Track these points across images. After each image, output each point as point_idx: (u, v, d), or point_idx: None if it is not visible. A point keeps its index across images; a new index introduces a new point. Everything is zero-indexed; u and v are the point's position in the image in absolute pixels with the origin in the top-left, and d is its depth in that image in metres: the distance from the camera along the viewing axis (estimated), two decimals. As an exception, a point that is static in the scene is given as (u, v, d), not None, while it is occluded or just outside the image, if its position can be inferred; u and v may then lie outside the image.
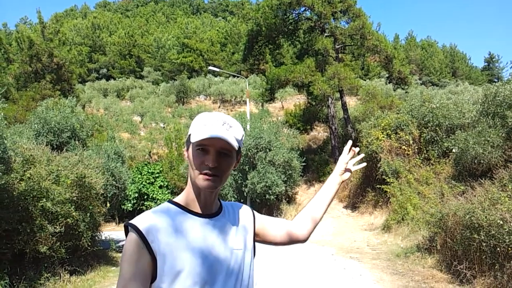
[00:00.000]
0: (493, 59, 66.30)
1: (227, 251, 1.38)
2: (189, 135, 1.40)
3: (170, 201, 1.43)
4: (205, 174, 1.34)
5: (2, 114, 6.55)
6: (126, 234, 1.31)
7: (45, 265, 7.42)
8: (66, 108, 12.39)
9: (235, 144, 1.35)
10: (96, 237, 9.92)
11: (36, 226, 7.17)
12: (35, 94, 19.53)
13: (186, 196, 1.42)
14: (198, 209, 1.40)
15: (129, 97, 43.22)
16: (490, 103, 10.73)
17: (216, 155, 1.35)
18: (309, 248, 10.78)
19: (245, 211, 1.59)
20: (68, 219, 7.75)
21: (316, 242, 11.79)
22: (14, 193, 7.02)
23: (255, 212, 1.64)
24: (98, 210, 9.34)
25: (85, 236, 8.33)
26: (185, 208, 1.39)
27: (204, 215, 1.40)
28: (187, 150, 1.42)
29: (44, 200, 7.33)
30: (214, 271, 1.32)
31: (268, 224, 1.63)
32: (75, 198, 8.11)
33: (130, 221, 1.32)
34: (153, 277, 1.27)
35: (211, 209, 1.43)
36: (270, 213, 16.01)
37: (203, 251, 1.32)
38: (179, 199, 1.43)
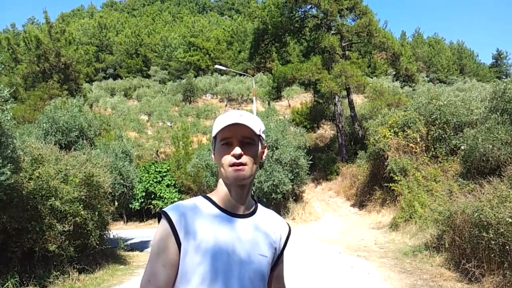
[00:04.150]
0: (501, 56, 65.86)
1: (250, 254, 1.36)
2: (213, 136, 1.43)
3: (205, 196, 1.44)
4: (233, 165, 1.36)
5: (10, 113, 6.60)
6: (159, 221, 1.38)
7: (54, 263, 7.48)
8: (74, 107, 12.46)
9: (255, 128, 1.38)
10: (105, 236, 9.97)
11: (45, 225, 7.22)
12: (43, 94, 19.68)
13: (217, 194, 1.42)
14: (229, 208, 1.40)
15: (136, 96, 43.37)
16: (498, 99, 10.64)
17: (240, 145, 1.37)
18: (317, 247, 10.78)
19: (282, 224, 1.58)
20: (77, 218, 7.80)
21: (324, 240, 11.78)
22: (23, 192, 7.07)
23: (291, 234, 1.63)
24: (106, 209, 9.39)
25: (93, 234, 8.38)
26: (217, 205, 1.40)
27: (236, 214, 1.40)
28: (214, 152, 1.44)
29: (53, 199, 7.38)
30: (231, 273, 1.30)
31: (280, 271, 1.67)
32: (83, 197, 8.16)
33: (163, 209, 1.37)
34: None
35: (243, 208, 1.43)
36: (277, 212, 15.86)
37: (226, 250, 1.31)
38: (212, 195, 1.44)
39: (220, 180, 1.43)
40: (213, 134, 1.41)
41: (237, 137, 1.37)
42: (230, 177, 1.36)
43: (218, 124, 1.38)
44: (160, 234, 1.33)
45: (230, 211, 1.40)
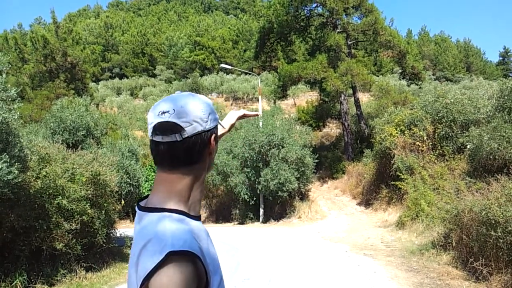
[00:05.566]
0: (508, 53, 65.43)
1: None
2: (215, 125, 1.18)
3: (175, 211, 1.10)
4: None
5: (18, 113, 6.64)
6: (162, 263, 0.96)
7: (61, 261, 7.53)
8: (81, 106, 12.53)
9: None
10: (111, 234, 10.01)
11: (53, 223, 7.27)
12: (50, 93, 19.80)
13: (191, 202, 1.15)
14: (198, 212, 1.18)
15: (142, 95, 43.52)
16: (506, 97, 10.57)
17: None
18: (323, 245, 10.77)
19: None
20: (84, 217, 7.84)
21: (330, 239, 11.76)
22: (31, 191, 7.12)
23: None
24: (113, 207, 9.43)
25: (100, 233, 8.42)
26: (190, 216, 1.12)
27: (200, 218, 1.20)
28: (216, 140, 1.19)
29: (60, 197, 7.43)
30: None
31: None
32: (90, 196, 8.20)
33: (177, 248, 0.98)
34: None
35: None
36: (283, 210, 16.01)
37: (217, 257, 1.18)
38: (182, 207, 1.13)
39: (198, 181, 1.17)
40: (217, 121, 1.20)
41: None
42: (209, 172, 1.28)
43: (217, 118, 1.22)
44: (192, 280, 0.98)
45: (198, 216, 1.18)
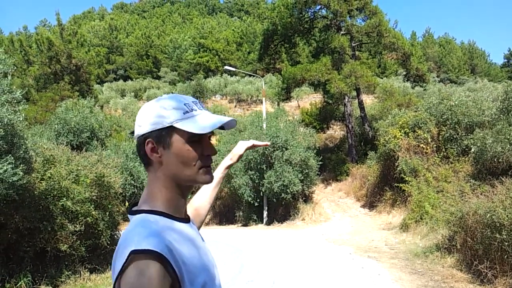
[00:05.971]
0: (513, 56, 65.10)
1: (212, 257, 1.23)
2: (168, 127, 1.12)
3: (150, 212, 1.11)
4: (207, 166, 1.16)
5: (23, 115, 6.67)
6: (126, 264, 0.95)
7: (65, 263, 7.55)
8: (85, 108, 12.58)
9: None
10: (115, 236, 9.99)
11: (57, 225, 7.29)
12: (55, 95, 19.87)
13: (166, 202, 1.13)
14: (182, 214, 1.18)
15: (146, 97, 43.59)
16: (510, 100, 10.53)
17: (209, 141, 1.19)
18: (327, 247, 10.75)
19: None
20: (88, 218, 7.86)
21: (334, 241, 11.74)
22: (35, 192, 7.15)
23: None
24: (117, 209, 9.45)
25: (104, 234, 8.44)
26: (172, 217, 1.12)
27: (186, 219, 1.19)
28: (164, 145, 1.12)
29: (64, 199, 7.45)
30: (218, 280, 1.19)
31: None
32: (94, 197, 8.22)
33: (140, 247, 0.96)
34: None
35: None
36: (287, 212, 15.99)
37: (208, 260, 1.17)
38: (160, 207, 1.12)
39: (168, 185, 1.14)
40: (191, 128, 1.11)
41: (209, 133, 1.16)
42: (203, 180, 1.16)
43: (192, 118, 1.14)
44: (158, 280, 0.95)
45: (183, 218, 1.17)
